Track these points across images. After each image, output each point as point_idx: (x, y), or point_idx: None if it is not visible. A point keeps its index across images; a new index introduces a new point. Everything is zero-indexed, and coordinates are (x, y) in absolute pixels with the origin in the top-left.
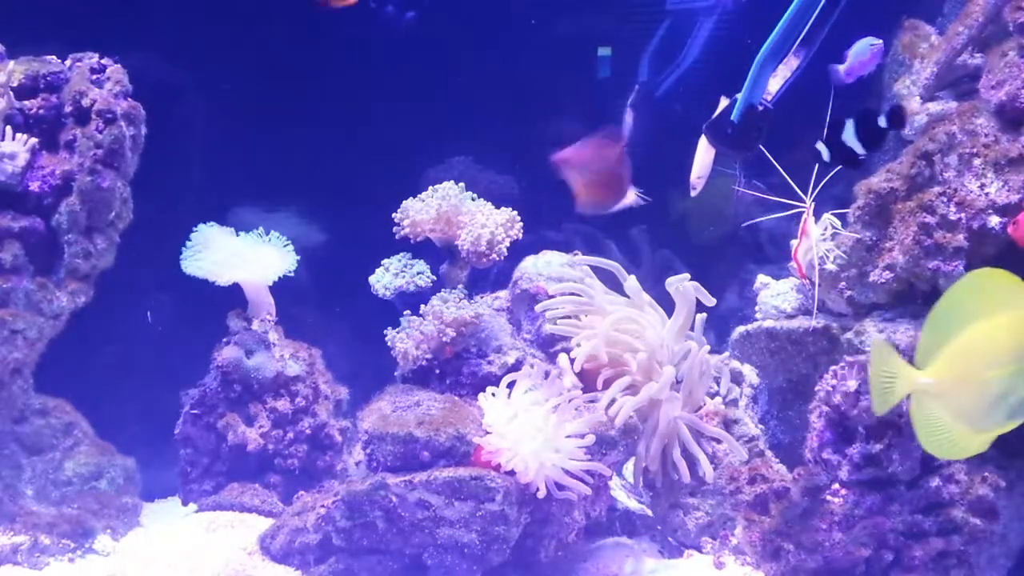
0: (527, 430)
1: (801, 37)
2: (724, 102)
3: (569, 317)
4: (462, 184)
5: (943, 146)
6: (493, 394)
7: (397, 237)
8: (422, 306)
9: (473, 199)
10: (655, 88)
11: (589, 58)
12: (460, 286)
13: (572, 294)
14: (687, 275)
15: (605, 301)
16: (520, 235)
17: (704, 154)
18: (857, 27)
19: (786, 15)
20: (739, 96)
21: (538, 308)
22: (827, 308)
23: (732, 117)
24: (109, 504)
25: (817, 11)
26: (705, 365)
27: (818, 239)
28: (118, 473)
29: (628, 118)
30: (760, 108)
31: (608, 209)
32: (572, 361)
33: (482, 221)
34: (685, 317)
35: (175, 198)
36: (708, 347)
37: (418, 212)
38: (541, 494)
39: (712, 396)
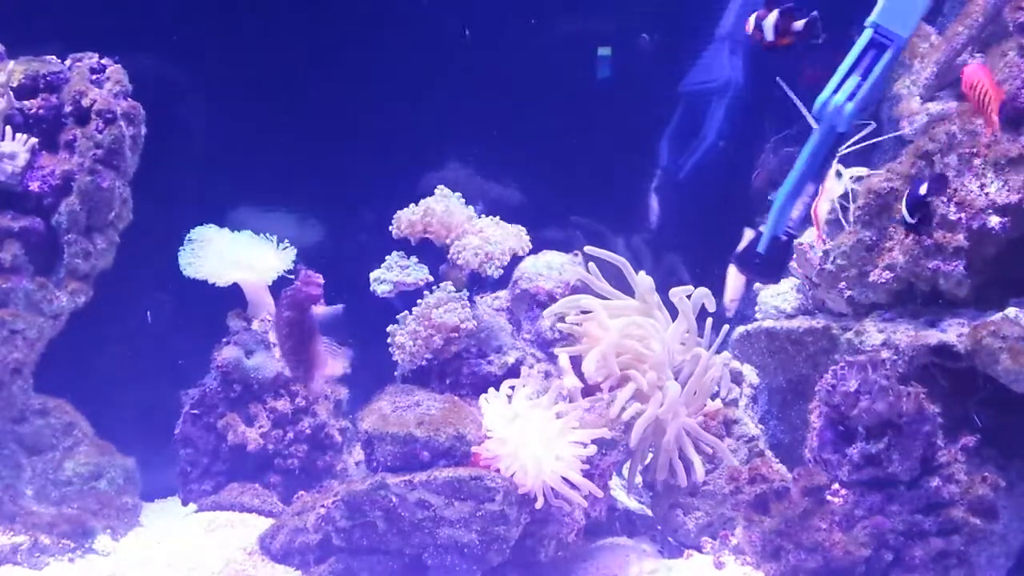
0: (528, 435)
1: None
2: (749, 234)
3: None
4: (458, 194)
5: (943, 146)
6: (496, 396)
7: (395, 237)
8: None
9: (471, 207)
10: (677, 171)
11: (589, 60)
12: (452, 285)
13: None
14: (691, 287)
15: (605, 316)
16: (525, 251)
17: (735, 279)
18: (858, 27)
19: (803, 153)
20: (764, 228)
21: (545, 313)
22: (827, 308)
23: (759, 248)
24: (109, 504)
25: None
26: (712, 372)
27: (838, 188)
28: (118, 473)
29: (653, 203)
30: (784, 239)
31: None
32: (574, 363)
33: (475, 243)
34: (687, 325)
35: (175, 198)
36: (728, 356)
37: (411, 216)
38: (539, 504)
39: (712, 396)
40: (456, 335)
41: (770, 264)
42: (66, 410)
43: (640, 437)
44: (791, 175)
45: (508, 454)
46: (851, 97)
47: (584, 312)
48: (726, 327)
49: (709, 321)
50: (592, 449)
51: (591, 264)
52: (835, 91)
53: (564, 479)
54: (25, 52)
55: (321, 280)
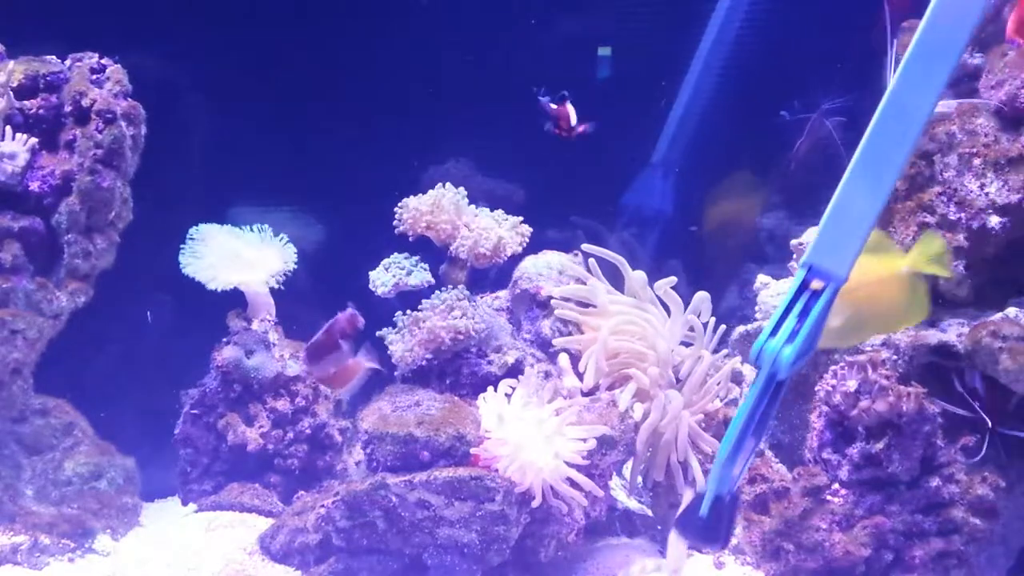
0: (526, 434)
1: (755, 425)
2: (689, 495)
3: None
4: (461, 189)
5: (943, 146)
6: (494, 396)
7: (396, 232)
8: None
9: (473, 206)
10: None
11: (589, 59)
12: (461, 287)
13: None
14: (674, 278)
15: (608, 301)
16: (524, 243)
17: (676, 546)
18: (857, 28)
19: (744, 405)
20: (706, 489)
21: (546, 291)
22: None
23: (700, 512)
24: (109, 504)
25: (768, 399)
26: (715, 374)
27: None
28: (118, 473)
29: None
30: (727, 499)
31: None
32: (576, 367)
33: (476, 234)
34: (684, 320)
35: (175, 198)
36: (732, 358)
37: (416, 207)
38: (536, 502)
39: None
40: (462, 337)
41: (714, 527)
42: (66, 410)
43: (644, 442)
44: (731, 428)
45: (506, 454)
46: (790, 340)
47: (583, 305)
48: (723, 327)
49: (711, 320)
50: (592, 443)
51: (591, 260)
52: (772, 334)
53: (564, 477)
54: (25, 52)
55: (360, 323)
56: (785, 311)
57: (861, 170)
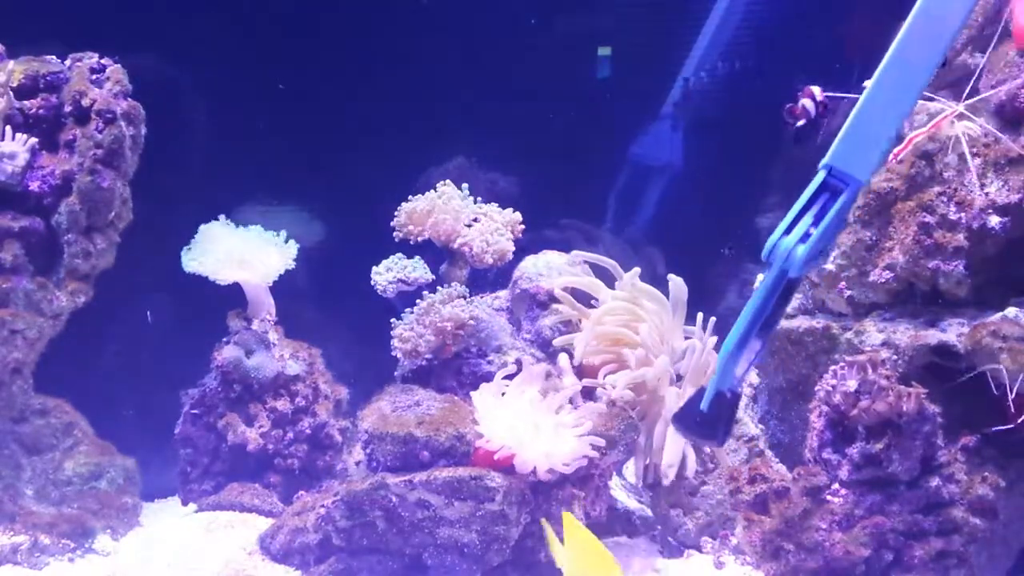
0: (524, 417)
1: (762, 323)
2: (689, 391)
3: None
4: (465, 185)
5: (943, 145)
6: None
7: (396, 239)
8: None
9: (476, 201)
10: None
11: (589, 58)
12: (455, 283)
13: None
14: (638, 269)
15: (609, 296)
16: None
17: (673, 442)
18: (857, 28)
19: (752, 301)
20: (708, 384)
21: (552, 316)
22: (827, 308)
23: (701, 406)
24: (109, 504)
25: (776, 297)
26: (709, 365)
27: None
28: (118, 473)
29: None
30: (729, 396)
31: None
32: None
33: (491, 228)
34: (679, 312)
35: (175, 198)
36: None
37: (418, 211)
38: (544, 469)
39: None
40: (461, 332)
41: (713, 423)
42: (66, 410)
43: (624, 387)
44: (738, 323)
45: (506, 440)
46: (803, 240)
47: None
48: (713, 319)
49: (700, 316)
50: (588, 425)
51: (586, 264)
52: (786, 232)
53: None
54: (25, 52)
55: None
56: (802, 210)
57: (889, 75)
